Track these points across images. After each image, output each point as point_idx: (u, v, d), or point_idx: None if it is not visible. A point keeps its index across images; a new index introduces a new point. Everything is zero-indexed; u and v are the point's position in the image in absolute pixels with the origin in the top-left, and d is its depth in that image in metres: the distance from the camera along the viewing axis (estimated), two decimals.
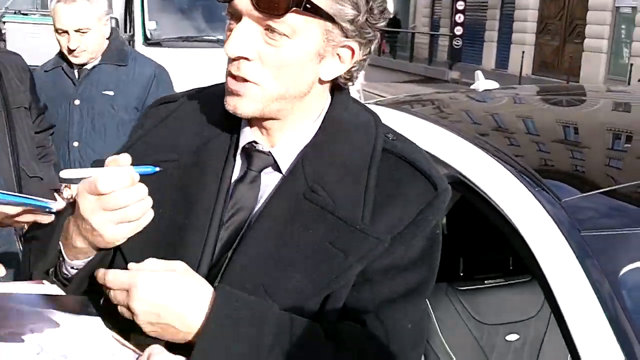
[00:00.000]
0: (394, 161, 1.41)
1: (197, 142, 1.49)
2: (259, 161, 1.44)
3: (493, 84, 3.74)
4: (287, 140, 1.44)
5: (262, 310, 1.30)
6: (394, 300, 1.37)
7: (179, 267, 1.32)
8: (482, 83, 3.70)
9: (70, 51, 3.76)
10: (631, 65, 21.01)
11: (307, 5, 1.28)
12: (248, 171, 1.44)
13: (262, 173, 1.45)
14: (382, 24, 1.39)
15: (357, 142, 1.43)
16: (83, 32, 3.68)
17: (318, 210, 1.36)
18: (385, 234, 1.33)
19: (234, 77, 1.35)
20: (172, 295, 1.28)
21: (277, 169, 1.44)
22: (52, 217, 1.53)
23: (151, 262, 1.32)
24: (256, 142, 1.45)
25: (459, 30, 27.79)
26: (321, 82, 1.42)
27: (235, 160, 1.48)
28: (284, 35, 1.30)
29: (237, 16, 1.33)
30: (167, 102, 1.63)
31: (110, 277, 1.32)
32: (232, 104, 1.37)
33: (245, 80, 1.34)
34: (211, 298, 1.29)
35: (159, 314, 1.27)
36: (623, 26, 23.08)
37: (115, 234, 1.36)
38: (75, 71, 3.93)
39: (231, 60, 1.35)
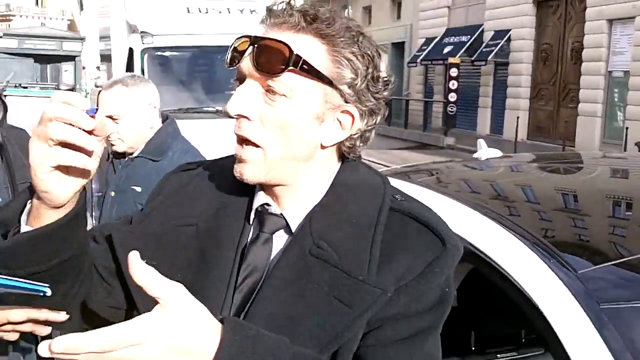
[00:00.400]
0: (400, 218, 1.42)
1: (215, 208, 1.53)
2: (271, 224, 1.47)
3: (496, 152, 3.73)
4: (297, 202, 1.46)
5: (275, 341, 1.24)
6: (397, 342, 1.36)
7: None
8: (484, 151, 3.70)
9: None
10: (626, 128, 21.11)
11: (304, 66, 1.34)
12: (260, 233, 1.46)
13: (274, 235, 1.47)
14: (384, 94, 1.44)
15: (364, 202, 1.43)
16: (116, 119, 3.44)
17: (323, 265, 1.36)
18: (390, 286, 1.32)
19: (238, 141, 1.41)
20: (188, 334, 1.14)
21: (289, 231, 1.46)
22: (65, 316, 1.51)
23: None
24: (268, 205, 1.48)
25: (453, 97, 28.07)
26: (323, 147, 1.44)
27: (249, 224, 1.50)
28: (283, 95, 1.36)
29: (242, 78, 1.41)
30: (188, 170, 1.68)
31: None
32: (239, 171, 1.42)
33: (247, 142, 1.39)
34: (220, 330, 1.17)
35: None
36: (616, 90, 23.24)
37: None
38: (120, 160, 3.73)
39: (235, 121, 1.41)
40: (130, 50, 9.16)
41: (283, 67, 1.33)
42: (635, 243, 2.32)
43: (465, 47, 29.52)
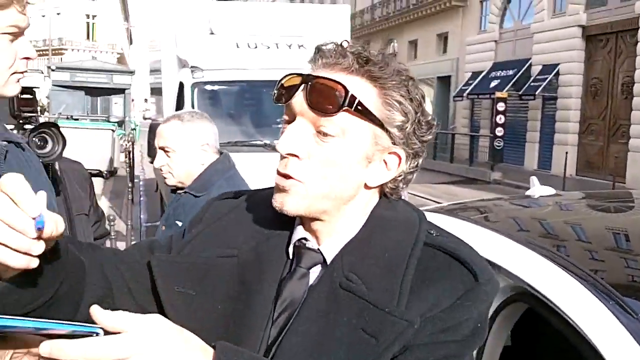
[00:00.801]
0: (433, 252, 1.40)
1: (256, 239, 1.53)
2: (308, 259, 1.47)
3: (549, 190, 3.69)
4: (335, 238, 1.46)
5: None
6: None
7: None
8: (537, 189, 3.66)
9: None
10: None
11: (359, 107, 1.35)
12: (297, 268, 1.46)
13: (310, 270, 1.46)
14: (428, 137, 1.45)
15: (398, 236, 1.42)
16: (167, 152, 3.47)
17: (351, 298, 1.36)
18: (417, 318, 1.30)
19: (282, 174, 1.40)
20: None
21: (326, 266, 1.45)
22: None
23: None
24: (306, 240, 1.48)
25: (500, 131, 27.89)
26: (367, 187, 1.45)
27: (287, 258, 1.50)
28: (334, 135, 1.36)
29: (291, 116, 1.41)
30: (230, 198, 1.70)
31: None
32: (279, 201, 1.41)
33: (291, 178, 1.39)
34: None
35: None
36: None
37: None
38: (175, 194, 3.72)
39: (281, 158, 1.41)
40: (181, 84, 9.29)
41: (338, 107, 1.34)
42: None
43: (512, 81, 29.43)
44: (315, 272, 1.46)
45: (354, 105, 1.34)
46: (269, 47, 9.70)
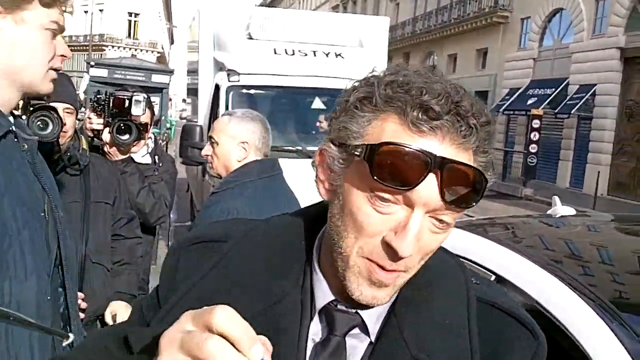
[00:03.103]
0: (488, 311, 1.27)
1: (263, 302, 1.23)
2: (342, 323, 1.23)
3: (569, 210, 3.73)
4: None
5: None
6: None
7: None
8: (559, 209, 3.70)
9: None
10: None
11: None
12: (331, 337, 1.23)
13: (346, 338, 1.24)
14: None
15: (450, 294, 1.26)
16: (212, 143, 3.61)
17: None
18: None
19: (385, 269, 1.14)
20: None
21: (364, 329, 1.24)
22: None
23: None
24: (338, 300, 1.24)
25: (534, 148, 27.73)
26: None
27: (311, 321, 1.25)
28: (450, 223, 1.14)
29: (408, 202, 1.10)
30: (212, 242, 1.35)
31: None
32: (371, 296, 1.16)
33: (397, 271, 1.15)
34: None
35: None
36: None
37: None
38: None
39: (383, 253, 1.13)
40: (217, 87, 9.33)
41: (476, 201, 1.11)
42: None
43: (549, 99, 29.31)
44: (352, 338, 1.24)
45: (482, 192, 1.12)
46: (306, 55, 9.71)
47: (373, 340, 1.23)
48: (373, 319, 1.23)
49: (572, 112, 27.69)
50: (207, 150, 3.65)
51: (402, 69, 1.16)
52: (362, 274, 1.15)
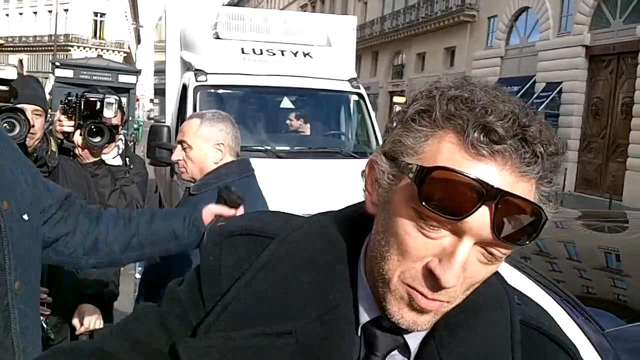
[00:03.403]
0: (532, 336, 1.20)
1: (317, 310, 1.16)
2: (385, 343, 1.16)
3: None
4: None
5: None
6: None
7: None
8: None
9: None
10: None
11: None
12: (372, 357, 1.16)
13: (387, 358, 1.17)
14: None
15: (493, 320, 1.18)
16: (184, 147, 3.56)
17: None
18: None
19: (428, 298, 1.06)
20: None
21: (405, 352, 1.18)
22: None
23: None
24: (382, 318, 1.14)
25: None
26: None
27: (357, 335, 1.18)
28: (503, 256, 1.04)
29: (457, 232, 1.01)
30: (259, 236, 1.26)
31: None
32: (411, 320, 1.08)
33: (440, 301, 1.07)
34: None
35: None
36: None
37: None
38: None
39: (424, 280, 1.05)
40: (184, 87, 9.28)
41: (532, 238, 1.00)
42: None
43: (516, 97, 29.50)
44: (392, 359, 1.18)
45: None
46: (275, 54, 9.67)
47: None
48: (415, 340, 1.17)
49: (539, 109, 27.84)
50: (178, 155, 3.59)
51: (468, 84, 1.08)
52: (404, 299, 1.07)
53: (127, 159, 4.80)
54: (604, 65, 26.44)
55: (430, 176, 0.98)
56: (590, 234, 3.46)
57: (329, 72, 9.56)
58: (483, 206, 0.96)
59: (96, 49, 66.43)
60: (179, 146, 3.59)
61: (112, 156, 4.55)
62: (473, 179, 0.96)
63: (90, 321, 3.60)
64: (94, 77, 19.40)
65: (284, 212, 1.36)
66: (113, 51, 69.86)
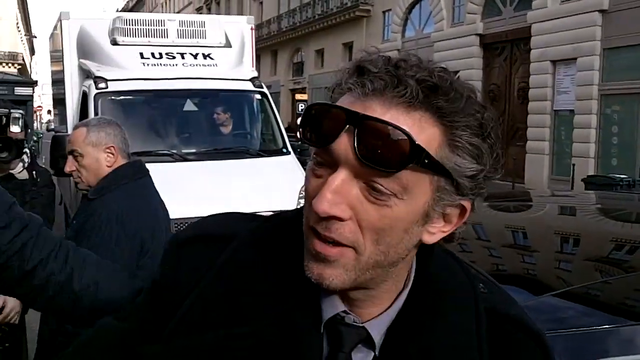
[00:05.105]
0: (499, 324, 1.21)
1: (276, 310, 1.14)
2: (349, 338, 1.14)
3: None
4: (379, 309, 1.16)
5: None
6: None
7: None
8: None
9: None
10: (573, 165, 21.46)
11: (426, 161, 1.02)
12: (338, 353, 1.14)
13: (352, 353, 1.15)
14: (498, 176, 1.15)
15: (458, 308, 1.18)
16: (75, 156, 3.54)
17: None
18: None
19: (323, 239, 1.06)
20: None
21: (369, 345, 1.16)
22: None
23: None
24: (345, 313, 1.14)
25: None
26: (422, 244, 1.13)
27: (320, 333, 1.16)
28: (392, 194, 1.03)
29: (330, 162, 1.05)
30: (217, 238, 1.25)
31: None
32: (317, 272, 1.07)
33: (337, 244, 1.06)
34: None
35: None
36: (562, 128, 23.77)
37: None
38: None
39: (319, 219, 1.05)
40: (85, 95, 9.11)
41: (400, 164, 1.00)
42: (578, 276, 2.47)
43: None
44: (357, 356, 1.15)
45: (422, 159, 1.01)
46: (174, 57, 9.60)
47: (377, 354, 1.15)
48: (378, 332, 1.15)
49: None
50: (71, 165, 3.58)
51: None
52: (308, 247, 1.08)
53: (35, 173, 4.72)
54: (497, 53, 27.06)
55: (307, 113, 1.08)
56: (497, 214, 3.56)
57: (230, 72, 9.56)
58: (345, 132, 1.01)
59: None
60: (70, 157, 3.57)
61: (18, 170, 4.48)
62: (335, 107, 1.04)
63: (9, 314, 3.62)
64: None
65: (240, 213, 1.35)
66: (7, 63, 67.93)
